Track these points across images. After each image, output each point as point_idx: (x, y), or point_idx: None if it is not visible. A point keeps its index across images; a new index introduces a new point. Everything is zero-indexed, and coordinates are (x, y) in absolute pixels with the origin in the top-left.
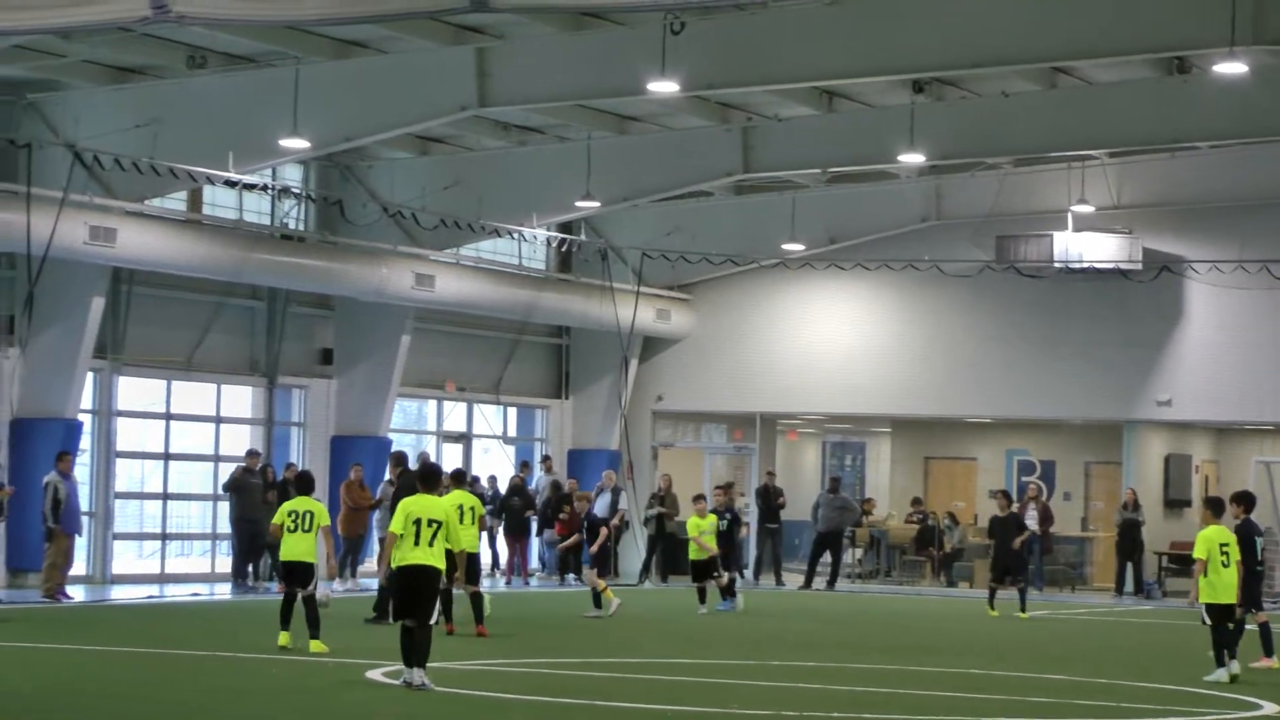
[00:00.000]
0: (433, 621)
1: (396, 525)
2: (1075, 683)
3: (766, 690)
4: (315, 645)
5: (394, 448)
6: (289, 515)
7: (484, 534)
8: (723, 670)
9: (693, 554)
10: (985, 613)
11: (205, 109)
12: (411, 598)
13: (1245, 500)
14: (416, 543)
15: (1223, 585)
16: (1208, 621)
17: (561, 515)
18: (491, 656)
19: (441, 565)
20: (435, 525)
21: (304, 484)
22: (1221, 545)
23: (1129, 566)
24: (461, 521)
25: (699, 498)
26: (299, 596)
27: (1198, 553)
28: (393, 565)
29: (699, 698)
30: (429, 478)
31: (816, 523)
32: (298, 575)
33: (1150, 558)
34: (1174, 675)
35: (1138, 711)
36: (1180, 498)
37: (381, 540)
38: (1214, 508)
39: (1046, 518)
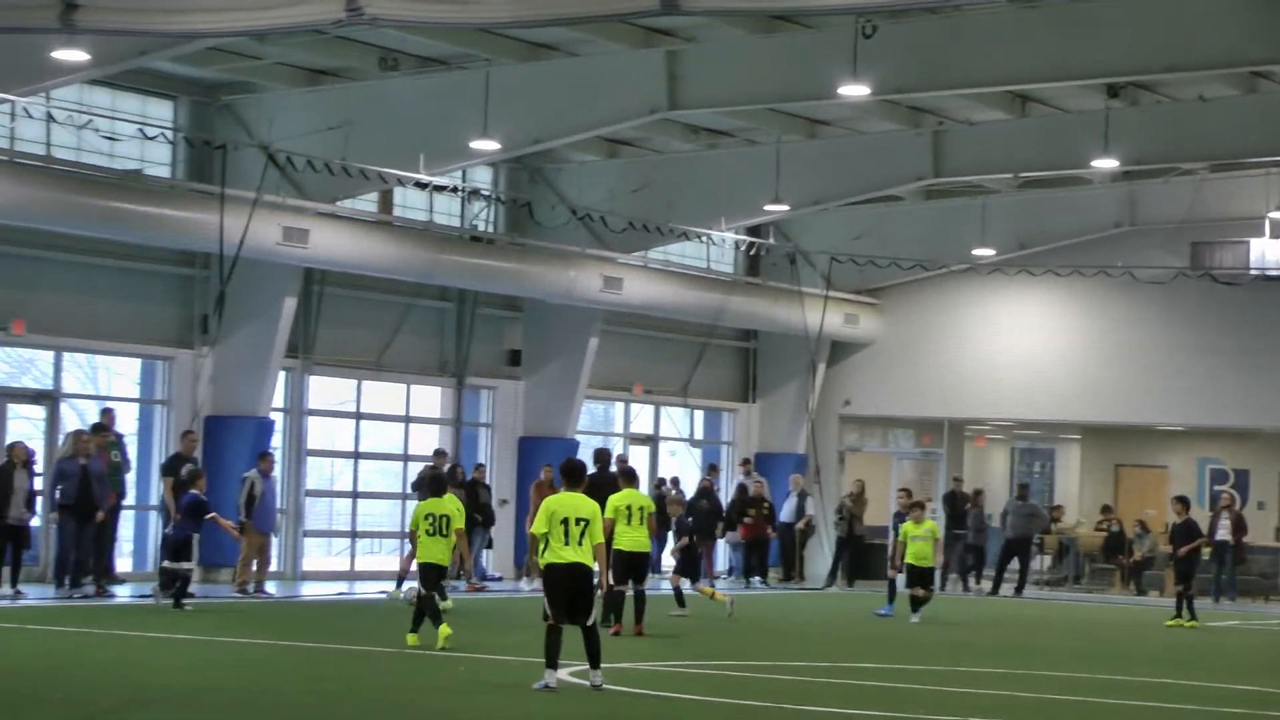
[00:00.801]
0: (591, 621)
1: (539, 525)
2: (1266, 694)
3: (952, 696)
4: (411, 639)
5: (580, 450)
6: (426, 518)
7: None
8: (907, 675)
9: (910, 558)
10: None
11: (397, 111)
12: (565, 597)
13: None
14: (566, 541)
15: None
16: None
17: (746, 518)
18: (671, 659)
19: (591, 562)
20: (583, 523)
21: (438, 486)
22: None
23: None
24: (629, 522)
25: (918, 505)
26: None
27: None
28: (540, 564)
29: (884, 702)
30: (571, 474)
31: (1005, 529)
32: (436, 576)
33: None
34: None
35: None
36: None
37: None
38: None
39: (1239, 527)
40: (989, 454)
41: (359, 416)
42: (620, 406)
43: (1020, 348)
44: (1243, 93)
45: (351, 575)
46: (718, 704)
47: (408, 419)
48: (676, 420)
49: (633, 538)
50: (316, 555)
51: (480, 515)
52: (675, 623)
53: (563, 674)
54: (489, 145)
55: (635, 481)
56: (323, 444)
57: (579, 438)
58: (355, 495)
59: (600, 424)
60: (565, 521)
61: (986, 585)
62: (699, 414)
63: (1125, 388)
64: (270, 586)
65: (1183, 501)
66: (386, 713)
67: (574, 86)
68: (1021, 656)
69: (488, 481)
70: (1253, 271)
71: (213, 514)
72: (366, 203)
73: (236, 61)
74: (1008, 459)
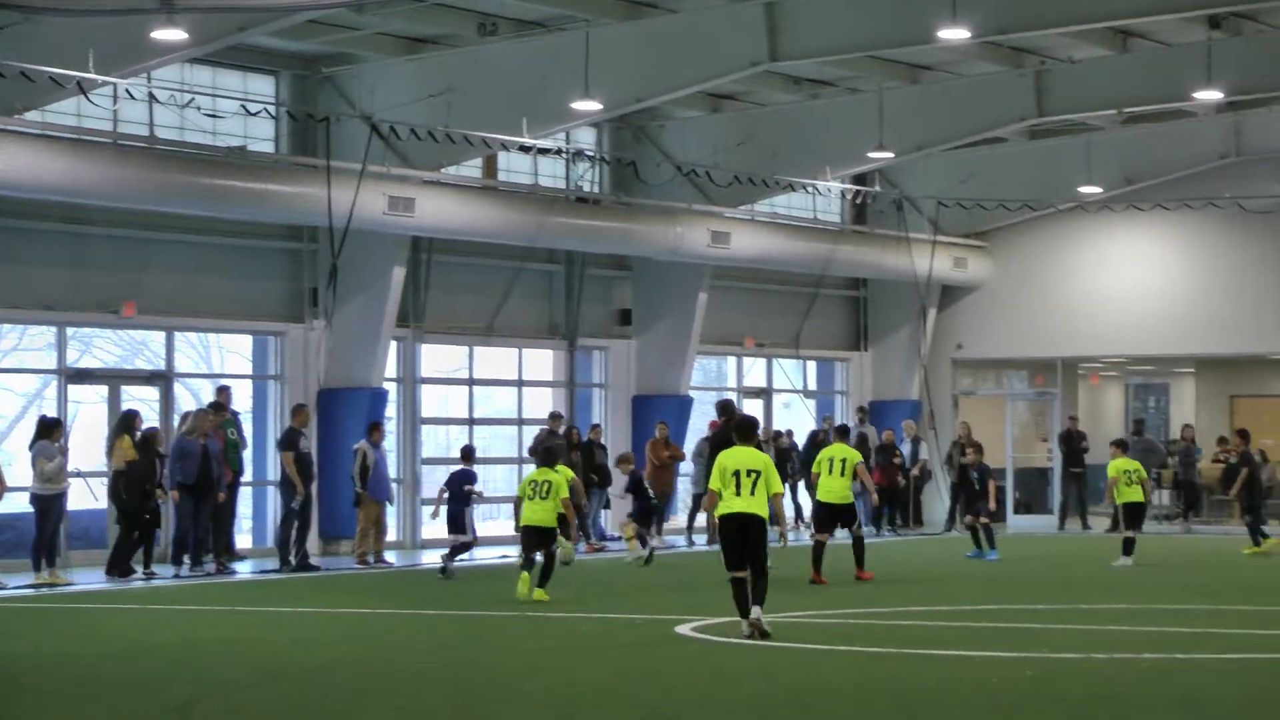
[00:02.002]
0: (770, 565)
1: (715, 482)
2: None
3: (1076, 634)
4: (539, 594)
5: (693, 406)
6: (530, 485)
7: (787, 485)
8: (1031, 615)
9: (1121, 498)
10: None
11: (497, 76)
12: (739, 546)
13: None
14: (738, 492)
15: None
16: None
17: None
18: (809, 609)
19: (764, 512)
20: (754, 474)
21: (549, 457)
22: None
23: None
24: (831, 473)
25: (1119, 442)
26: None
27: None
28: (716, 515)
29: (1006, 643)
30: (744, 429)
31: None
32: (538, 538)
33: None
34: None
35: None
36: None
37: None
38: None
39: None
40: (1103, 391)
41: (472, 382)
42: (732, 361)
43: (1129, 284)
44: None
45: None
46: (849, 652)
47: (521, 383)
48: (789, 372)
49: (831, 487)
50: (435, 523)
51: (597, 475)
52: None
53: (686, 629)
54: (591, 106)
55: (847, 436)
56: (437, 411)
57: (692, 394)
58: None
59: (713, 379)
60: (736, 474)
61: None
62: (811, 365)
63: (1237, 318)
64: (390, 556)
65: (1241, 435)
66: (513, 680)
67: (673, 43)
68: (1143, 591)
69: (603, 442)
70: None
71: (470, 488)
72: (471, 169)
73: (336, 34)
74: (1122, 395)
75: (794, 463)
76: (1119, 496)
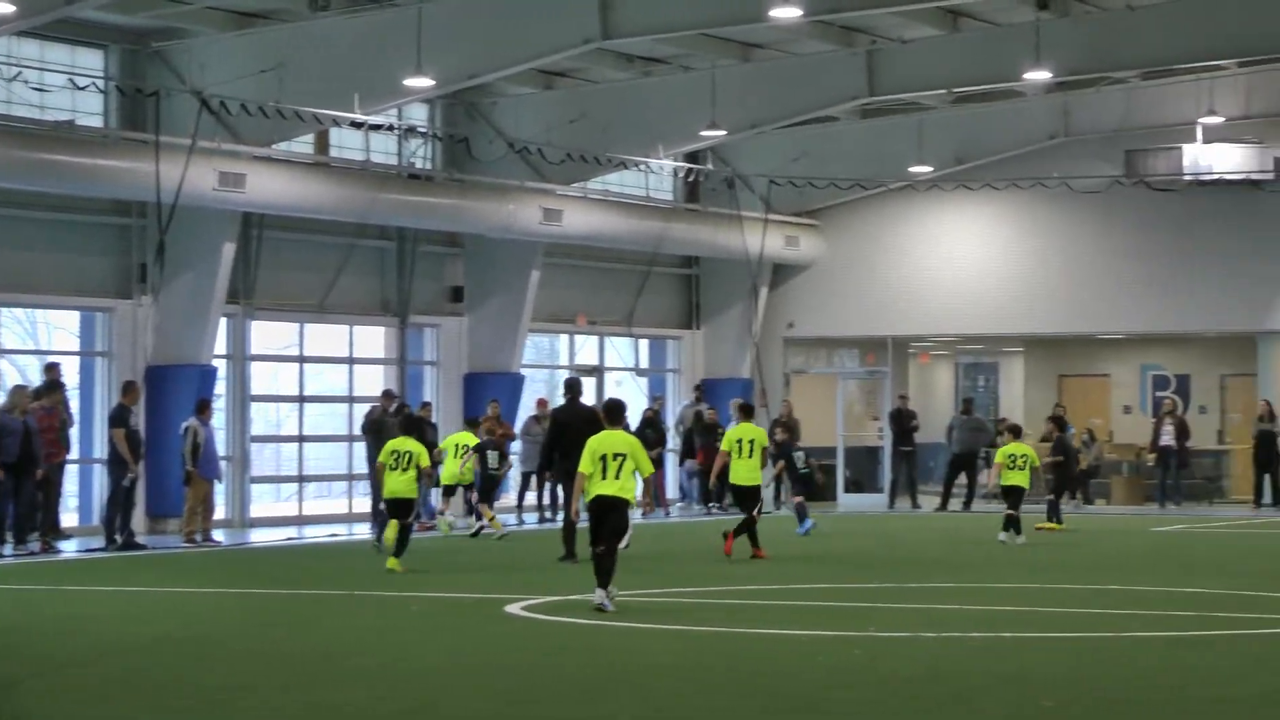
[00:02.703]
0: (623, 547)
1: (585, 465)
2: (1217, 595)
3: (904, 612)
4: (392, 563)
5: (525, 384)
6: (391, 454)
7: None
8: (859, 594)
9: (1007, 480)
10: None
11: (329, 51)
12: (600, 525)
13: None
14: (604, 476)
15: None
16: None
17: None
18: (637, 588)
19: (630, 495)
20: (620, 458)
21: (409, 426)
22: None
23: (1266, 478)
24: (740, 455)
25: (1012, 428)
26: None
27: None
28: (586, 498)
29: (834, 622)
30: (612, 412)
31: (951, 445)
32: (399, 509)
33: None
34: None
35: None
36: None
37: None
38: None
39: (1183, 432)
40: (933, 370)
41: (303, 360)
42: (565, 338)
43: (960, 263)
44: None
45: (300, 520)
46: (680, 631)
47: (352, 360)
48: (621, 350)
49: (741, 470)
50: (264, 501)
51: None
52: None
53: (516, 608)
54: (423, 82)
55: (750, 415)
56: (267, 389)
57: (524, 372)
58: (302, 439)
59: (545, 357)
60: (604, 458)
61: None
62: (643, 343)
63: (1065, 298)
64: (218, 534)
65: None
66: (340, 658)
67: (507, 19)
68: (971, 570)
69: (434, 420)
70: (1186, 177)
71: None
72: (302, 145)
73: (166, 8)
74: (952, 374)
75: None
76: (1003, 479)
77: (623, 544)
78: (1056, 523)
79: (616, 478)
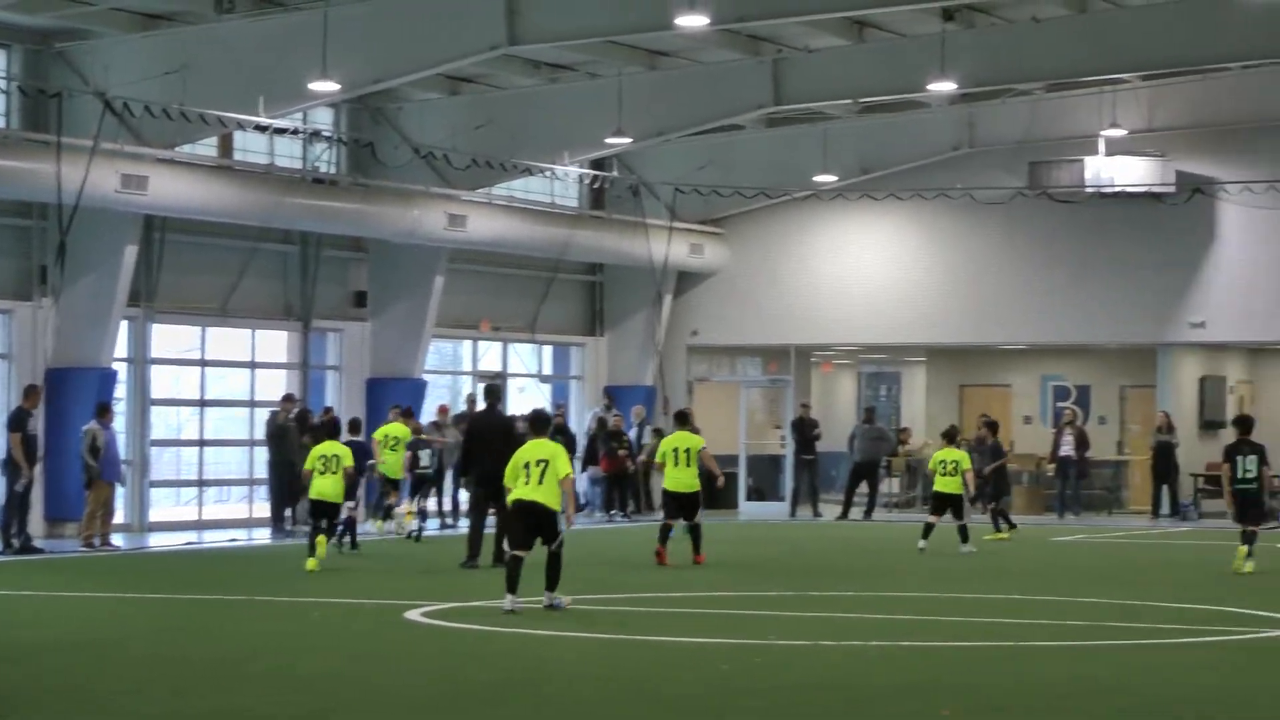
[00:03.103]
0: (556, 546)
1: (509, 478)
2: (1113, 605)
3: (805, 620)
4: (311, 563)
5: (427, 389)
6: (320, 459)
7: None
8: (760, 602)
9: (938, 486)
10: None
11: (235, 54)
12: (523, 530)
13: None
14: (527, 481)
15: None
16: None
17: (619, 452)
18: (539, 594)
19: (551, 502)
20: (542, 464)
21: (333, 430)
22: None
23: (1164, 489)
24: (677, 464)
25: (946, 433)
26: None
27: None
28: (508, 501)
29: (737, 629)
30: (536, 423)
31: (853, 454)
32: (324, 511)
33: (1186, 479)
34: (1209, 595)
35: (1174, 632)
36: (1215, 419)
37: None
38: None
39: (1083, 442)
40: (836, 379)
41: (204, 364)
42: (468, 344)
43: (864, 272)
44: (1074, 12)
45: (200, 525)
46: (581, 638)
47: (254, 364)
48: (525, 356)
49: (678, 478)
50: (164, 505)
51: None
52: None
53: (415, 614)
54: (329, 86)
55: (686, 423)
56: (168, 393)
57: (427, 377)
58: (202, 444)
59: (449, 362)
60: (526, 466)
61: None
62: (547, 349)
63: (968, 308)
64: (117, 539)
65: (991, 425)
66: (236, 663)
67: (413, 24)
68: (872, 579)
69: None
70: (1089, 189)
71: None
72: (206, 147)
73: (69, 8)
74: (854, 383)
75: None
76: (935, 485)
77: (554, 546)
78: (1009, 528)
79: (540, 483)
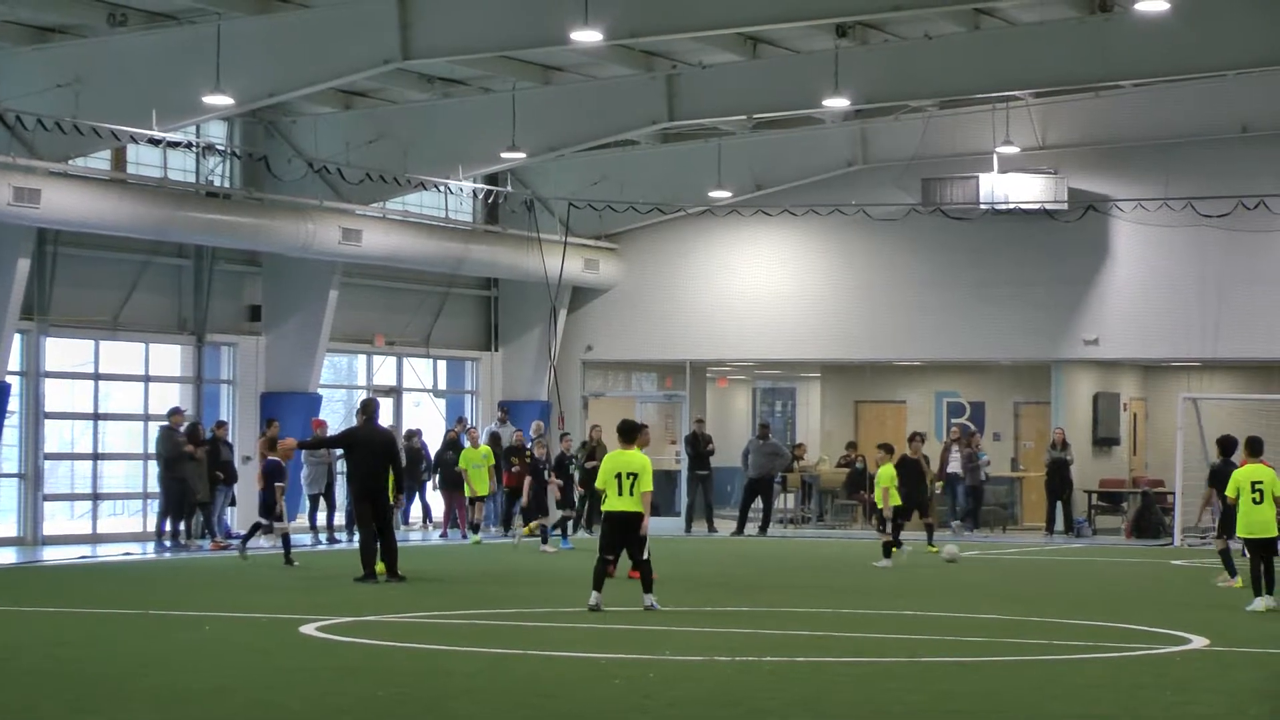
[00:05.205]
0: (645, 557)
1: (601, 482)
2: (1008, 621)
3: (699, 635)
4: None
5: (321, 404)
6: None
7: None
8: (654, 616)
9: (881, 502)
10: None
11: (127, 67)
12: (620, 538)
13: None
14: (620, 492)
15: (1260, 521)
16: (1246, 554)
17: (514, 468)
18: (432, 609)
19: (640, 509)
20: (632, 477)
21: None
22: (1254, 483)
23: (1059, 505)
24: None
25: (884, 446)
26: None
27: (1230, 490)
28: (602, 511)
29: (631, 645)
30: (628, 433)
31: (746, 469)
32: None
33: (1080, 496)
34: (1104, 611)
35: (1069, 648)
36: (1109, 436)
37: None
38: (1251, 448)
39: (970, 459)
40: (731, 394)
41: (98, 377)
42: (363, 359)
43: (758, 288)
44: (967, 30)
45: (95, 539)
46: (475, 653)
47: (147, 378)
48: (420, 371)
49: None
50: (59, 519)
51: (223, 473)
52: (435, 571)
53: (310, 629)
54: (222, 100)
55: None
56: (61, 406)
57: (321, 392)
58: (96, 457)
59: (344, 377)
60: (619, 476)
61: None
62: (442, 364)
63: (863, 325)
64: (6, 552)
65: (919, 437)
66: (126, 678)
67: (306, 38)
68: (767, 594)
69: (229, 439)
70: (982, 206)
71: (281, 483)
72: (99, 161)
73: None
74: (750, 399)
75: (427, 463)
76: (892, 499)
77: (644, 555)
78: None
79: (631, 494)
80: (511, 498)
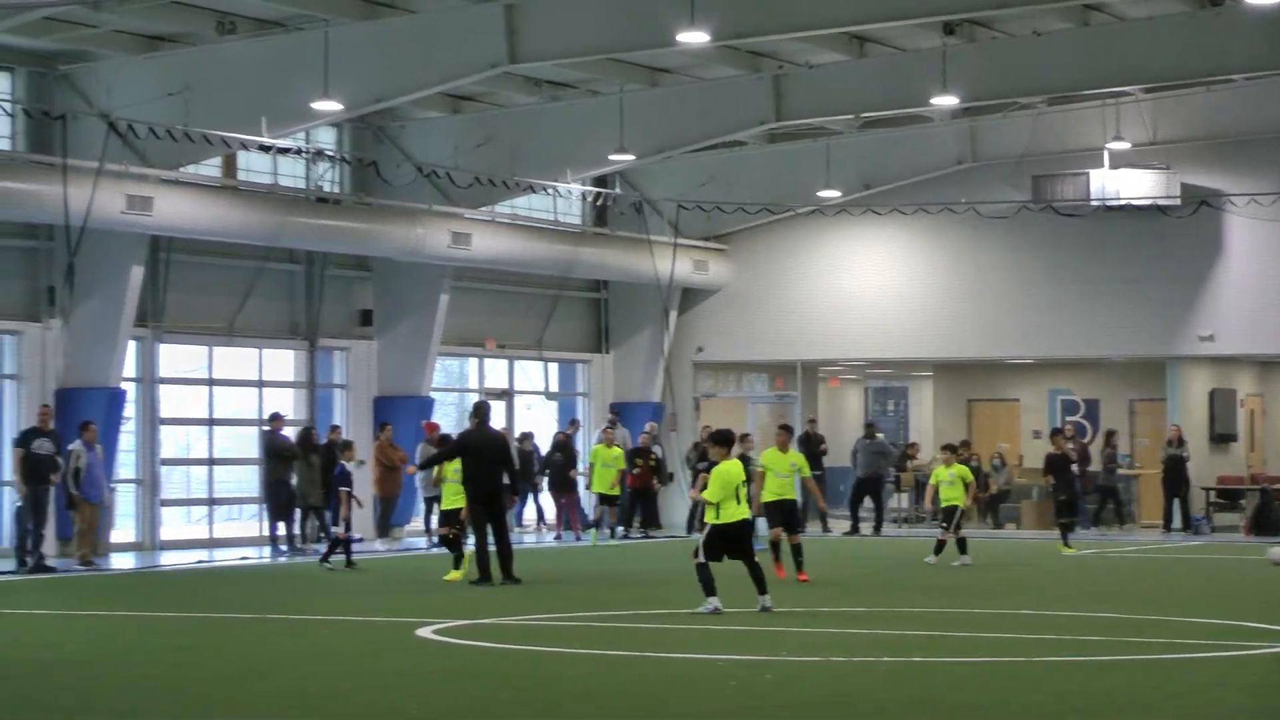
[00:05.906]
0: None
1: (714, 494)
2: (1127, 620)
3: (816, 636)
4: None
5: (434, 407)
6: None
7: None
8: (771, 618)
9: (942, 499)
10: (1048, 553)
11: (237, 74)
12: (735, 545)
13: None
14: (738, 502)
15: None
16: None
17: (635, 469)
18: (548, 611)
19: (749, 516)
20: (742, 486)
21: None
22: None
23: (1176, 503)
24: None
25: (948, 447)
26: None
27: None
28: (717, 521)
29: (750, 646)
30: (726, 441)
31: (855, 469)
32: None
33: (1197, 493)
34: (1224, 610)
35: (1189, 646)
36: (1226, 432)
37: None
38: None
39: (1083, 457)
40: (843, 394)
41: (212, 383)
42: (474, 362)
43: (868, 287)
44: (1076, 26)
45: (211, 543)
46: (589, 655)
47: (261, 383)
48: (531, 374)
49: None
50: (176, 524)
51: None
52: (550, 574)
53: (426, 632)
54: (331, 106)
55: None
56: (176, 412)
57: (434, 395)
58: (212, 462)
59: (455, 380)
60: (737, 488)
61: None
62: (553, 366)
63: (974, 323)
64: (125, 557)
65: (1059, 432)
66: (243, 682)
67: (414, 43)
68: (882, 594)
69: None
70: (1093, 202)
71: (346, 489)
72: (210, 168)
73: (73, 30)
74: (861, 398)
75: (535, 465)
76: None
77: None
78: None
79: (748, 502)
80: (635, 499)
